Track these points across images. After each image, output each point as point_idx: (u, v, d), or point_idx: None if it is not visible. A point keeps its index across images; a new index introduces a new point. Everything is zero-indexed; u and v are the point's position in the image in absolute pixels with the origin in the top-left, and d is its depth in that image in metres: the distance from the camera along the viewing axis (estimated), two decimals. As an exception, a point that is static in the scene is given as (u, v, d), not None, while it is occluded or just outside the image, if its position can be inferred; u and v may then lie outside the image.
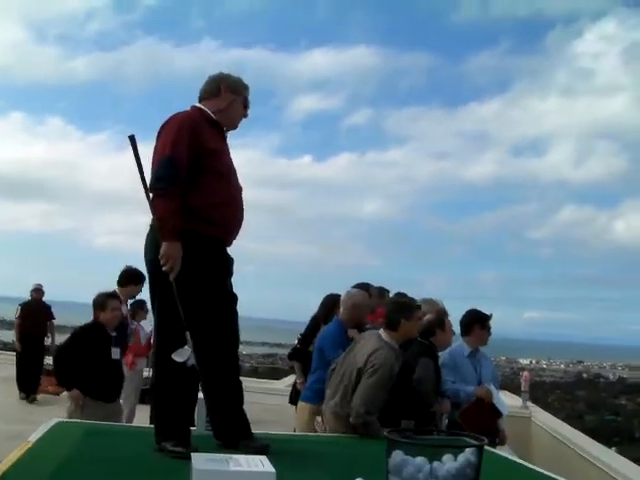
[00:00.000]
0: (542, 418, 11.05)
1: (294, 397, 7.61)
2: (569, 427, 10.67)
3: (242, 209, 4.31)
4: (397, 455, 2.64)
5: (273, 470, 2.68)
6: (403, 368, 5.83)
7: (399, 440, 2.74)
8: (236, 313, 4.34)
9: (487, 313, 6.69)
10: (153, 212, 3.97)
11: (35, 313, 13.49)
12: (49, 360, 15.02)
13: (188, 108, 4.34)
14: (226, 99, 4.32)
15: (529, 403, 12.19)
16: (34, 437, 4.10)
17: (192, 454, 2.88)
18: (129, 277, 7.53)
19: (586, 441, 9.17)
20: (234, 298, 4.34)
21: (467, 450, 2.63)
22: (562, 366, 75.20)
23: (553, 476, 4.23)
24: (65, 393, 6.62)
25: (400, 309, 5.54)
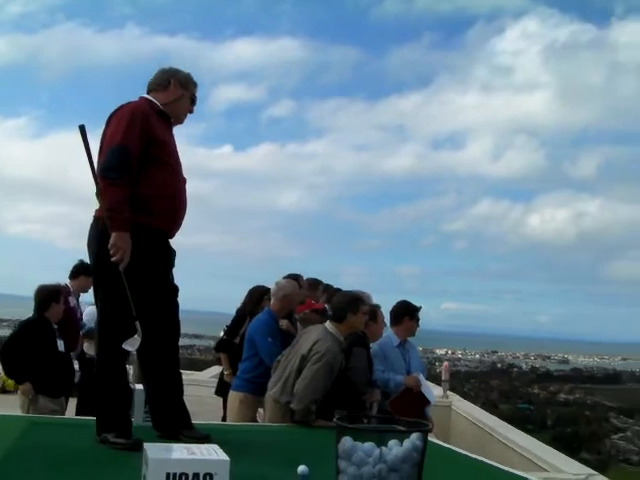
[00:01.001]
0: (462, 406, 11.27)
1: (220, 389, 7.64)
2: (489, 414, 10.93)
3: (186, 201, 4.37)
4: (346, 441, 2.74)
5: (227, 458, 2.75)
6: None
7: (349, 426, 2.84)
8: (177, 305, 4.39)
9: (416, 305, 6.85)
10: (102, 202, 3.97)
11: None
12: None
13: (137, 98, 4.37)
14: (175, 93, 4.39)
15: (449, 392, 12.43)
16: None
17: (144, 444, 2.91)
18: (80, 270, 7.50)
19: (506, 428, 9.40)
20: (176, 290, 4.39)
21: (413, 435, 2.75)
22: (477, 356, 76.64)
23: (485, 460, 4.43)
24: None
25: (348, 303, 5.63)
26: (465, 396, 13.83)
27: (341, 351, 5.52)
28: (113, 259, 3.90)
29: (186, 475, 2.65)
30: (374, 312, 6.45)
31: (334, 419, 4.97)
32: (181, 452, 2.78)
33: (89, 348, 8.07)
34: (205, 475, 2.66)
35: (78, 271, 7.56)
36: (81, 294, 7.96)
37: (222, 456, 2.76)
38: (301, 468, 3.41)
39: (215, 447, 2.88)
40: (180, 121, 4.51)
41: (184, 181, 4.37)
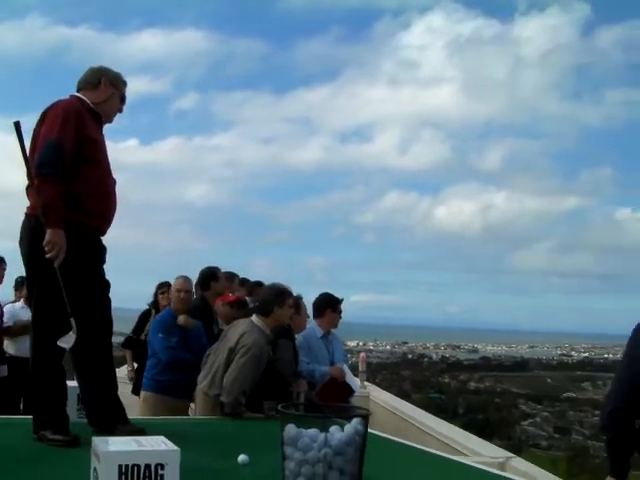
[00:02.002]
0: (380, 396, 11.47)
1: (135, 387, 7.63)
2: (406, 403, 11.18)
3: (116, 200, 4.40)
4: (291, 428, 2.85)
5: (177, 448, 2.83)
6: None
7: (295, 414, 2.97)
8: (109, 300, 4.43)
9: (338, 297, 7.00)
10: (37, 198, 3.95)
11: None
12: None
13: (68, 96, 4.36)
14: (105, 92, 4.41)
15: (366, 382, 12.62)
16: None
17: (93, 438, 2.97)
18: None
19: (424, 415, 9.63)
20: (107, 285, 4.44)
21: (354, 420, 2.89)
22: (388, 347, 77.43)
23: (415, 445, 4.62)
24: None
25: (273, 296, 5.75)
26: (378, 387, 14.03)
27: (267, 343, 5.64)
28: (48, 256, 3.90)
29: (138, 466, 2.72)
30: (297, 303, 6.57)
31: (265, 408, 5.16)
32: (130, 444, 2.85)
33: (7, 346, 8.00)
34: (157, 465, 2.74)
35: None
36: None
37: (171, 446, 2.85)
38: (241, 457, 3.52)
39: (162, 438, 2.95)
40: (110, 120, 4.54)
41: (114, 180, 4.41)
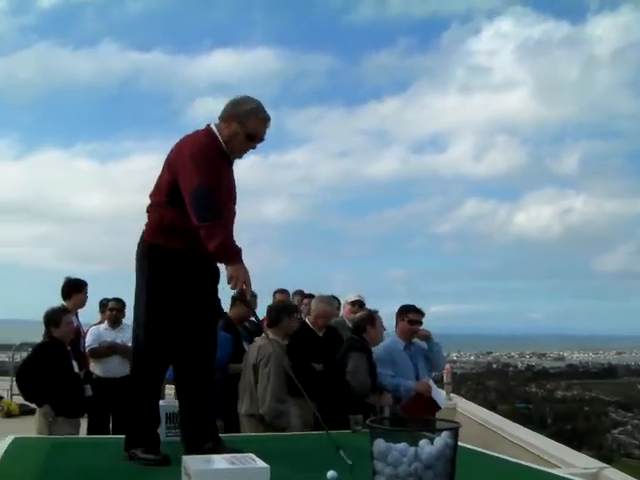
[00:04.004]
0: (466, 407, 11.35)
1: None
2: (494, 414, 11.03)
3: (230, 235, 4.29)
4: (380, 442, 2.83)
5: (267, 465, 2.83)
6: (336, 365, 6.16)
7: (382, 428, 2.94)
8: (214, 324, 4.49)
9: (415, 307, 6.94)
10: (208, 243, 3.98)
11: None
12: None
13: (203, 127, 4.30)
14: (229, 128, 4.22)
15: (452, 394, 12.50)
16: (-4, 456, 4.13)
17: (183, 457, 2.99)
18: (70, 289, 7.55)
19: (513, 426, 9.48)
20: (215, 310, 4.51)
21: (443, 433, 2.85)
22: (472, 357, 76.53)
23: (506, 458, 4.54)
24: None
25: (283, 307, 6.34)
26: (463, 398, 13.86)
27: (284, 351, 6.02)
28: (233, 291, 4.08)
29: (228, 484, 2.73)
30: (372, 317, 6.61)
31: (351, 422, 5.16)
32: (220, 462, 2.87)
33: (94, 368, 8.15)
34: (246, 483, 2.75)
35: (69, 290, 7.61)
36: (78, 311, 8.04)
37: (261, 464, 2.85)
38: (330, 473, 3.50)
39: (252, 456, 2.96)
40: (237, 157, 4.39)
41: (233, 219, 4.36)
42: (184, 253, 4.12)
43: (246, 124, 4.19)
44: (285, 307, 6.34)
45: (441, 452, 2.78)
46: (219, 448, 4.12)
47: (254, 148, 4.34)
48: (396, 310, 6.99)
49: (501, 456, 4.76)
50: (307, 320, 7.14)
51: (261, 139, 4.32)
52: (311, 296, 8.22)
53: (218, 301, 4.55)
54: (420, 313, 6.93)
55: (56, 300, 7.54)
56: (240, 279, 4.00)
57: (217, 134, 4.24)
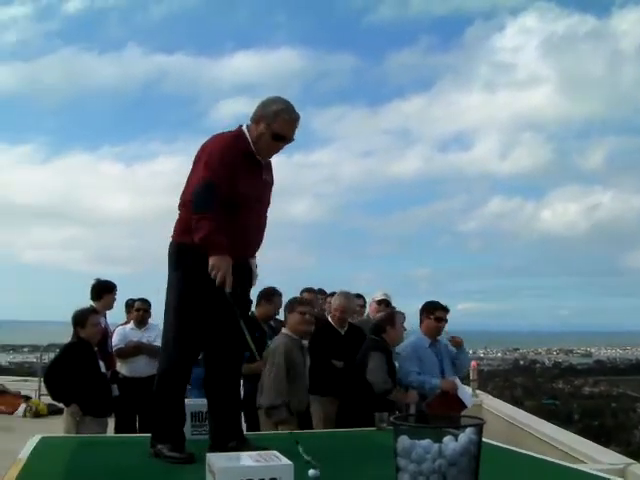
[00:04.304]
0: (492, 404, 11.32)
1: None
2: (520, 410, 11.00)
3: (253, 239, 4.39)
4: (404, 439, 2.83)
5: (291, 462, 2.84)
6: (357, 364, 6.20)
7: (406, 425, 2.94)
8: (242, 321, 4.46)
9: (440, 304, 6.94)
10: (195, 234, 4.09)
11: None
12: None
13: (236, 128, 4.35)
14: (257, 129, 4.25)
15: (478, 391, 12.46)
16: (24, 454, 4.15)
17: (207, 455, 3.01)
18: (101, 289, 7.61)
19: (539, 422, 9.45)
20: (245, 307, 4.51)
21: (467, 430, 2.84)
22: (499, 354, 76.36)
23: (532, 454, 4.52)
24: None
25: (287, 305, 6.40)
26: (490, 395, 13.83)
27: (295, 344, 6.04)
28: (216, 281, 4.05)
29: (252, 482, 2.74)
30: (392, 317, 6.63)
31: (376, 419, 5.17)
32: (245, 460, 2.88)
33: (121, 368, 8.21)
34: (271, 480, 2.76)
35: (100, 291, 7.67)
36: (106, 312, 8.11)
37: (285, 461, 2.86)
38: (311, 472, 3.47)
39: (275, 453, 2.97)
40: (267, 157, 4.41)
41: (258, 220, 4.38)
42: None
43: (272, 125, 4.19)
44: (289, 302, 6.41)
45: (465, 449, 2.78)
46: (244, 447, 4.14)
47: (279, 148, 4.35)
48: (420, 307, 7.00)
49: (526, 452, 4.75)
50: (329, 318, 7.17)
51: (290, 140, 4.32)
52: (322, 292, 8.26)
53: (248, 300, 4.57)
54: (445, 310, 6.92)
55: (84, 301, 7.61)
56: (221, 269, 4.03)
57: (247, 135, 4.27)
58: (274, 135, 4.22)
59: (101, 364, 6.58)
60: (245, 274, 4.39)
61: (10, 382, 16.45)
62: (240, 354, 4.49)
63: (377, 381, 6.16)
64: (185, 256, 4.20)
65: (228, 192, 4.12)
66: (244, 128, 4.31)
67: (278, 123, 4.20)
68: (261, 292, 7.21)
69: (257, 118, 4.25)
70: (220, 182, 4.08)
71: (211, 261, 4.04)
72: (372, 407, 5.65)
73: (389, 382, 6.23)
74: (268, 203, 4.48)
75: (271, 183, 4.49)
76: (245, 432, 4.84)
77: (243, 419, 6.01)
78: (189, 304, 4.18)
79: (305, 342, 6.50)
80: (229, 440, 4.24)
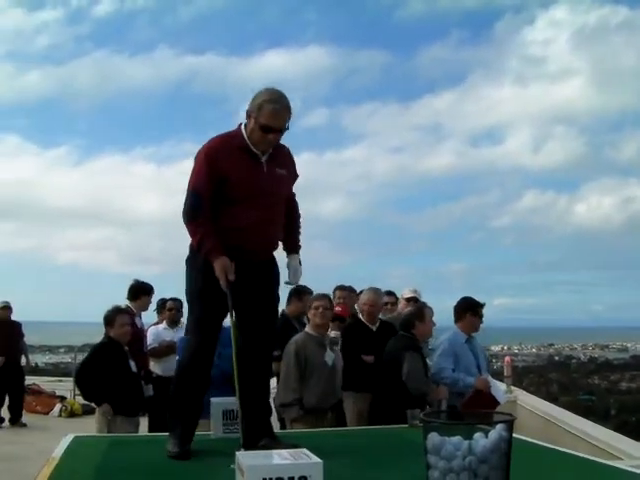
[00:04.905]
0: (527, 400, 11.27)
1: None
2: (556, 407, 10.93)
3: (263, 233, 4.36)
4: (434, 436, 2.80)
5: (320, 460, 2.83)
6: (389, 361, 6.17)
7: (435, 421, 2.92)
8: (271, 317, 4.55)
9: (479, 301, 6.91)
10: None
11: (6, 332, 12.65)
12: (30, 380, 14.81)
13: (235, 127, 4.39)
14: (250, 123, 4.27)
15: (513, 387, 12.40)
16: (57, 453, 4.19)
17: (236, 453, 2.99)
18: (139, 290, 7.65)
19: (575, 418, 9.38)
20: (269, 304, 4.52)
21: (498, 426, 2.81)
22: (534, 350, 75.69)
23: (567, 450, 4.48)
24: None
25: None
26: (525, 391, 13.76)
27: (312, 341, 6.12)
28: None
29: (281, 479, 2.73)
30: (421, 312, 6.57)
31: (408, 416, 5.14)
32: (274, 458, 2.86)
33: (155, 367, 8.25)
34: (300, 478, 2.73)
35: (137, 292, 7.71)
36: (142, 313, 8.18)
37: (314, 459, 2.84)
38: None
39: (305, 451, 2.95)
40: (260, 148, 4.34)
41: (268, 214, 4.34)
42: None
43: (259, 118, 4.18)
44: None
45: (496, 445, 2.75)
46: (274, 444, 4.15)
47: (275, 139, 4.30)
48: (460, 303, 6.96)
49: (560, 448, 4.68)
50: (360, 315, 7.15)
51: (279, 129, 4.26)
52: (352, 290, 8.22)
53: (272, 297, 4.53)
54: (480, 305, 6.90)
55: (119, 301, 7.71)
56: (216, 272, 4.13)
57: (243, 130, 4.31)
58: (262, 127, 4.20)
59: (132, 364, 6.61)
60: (266, 272, 4.43)
61: (45, 382, 16.64)
62: (269, 352, 4.51)
63: (416, 385, 6.10)
64: (195, 258, 4.30)
65: (227, 190, 4.20)
66: (242, 126, 4.34)
67: (263, 115, 4.17)
68: (292, 290, 7.21)
69: (248, 113, 4.28)
70: (208, 187, 4.18)
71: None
72: (404, 404, 5.62)
73: (427, 384, 6.22)
74: (280, 195, 4.44)
75: (285, 175, 4.45)
76: (277, 430, 4.84)
77: (276, 417, 6.06)
78: (200, 303, 4.30)
79: (335, 337, 6.50)
80: (260, 438, 4.25)
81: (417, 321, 6.43)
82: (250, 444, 4.17)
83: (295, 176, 4.56)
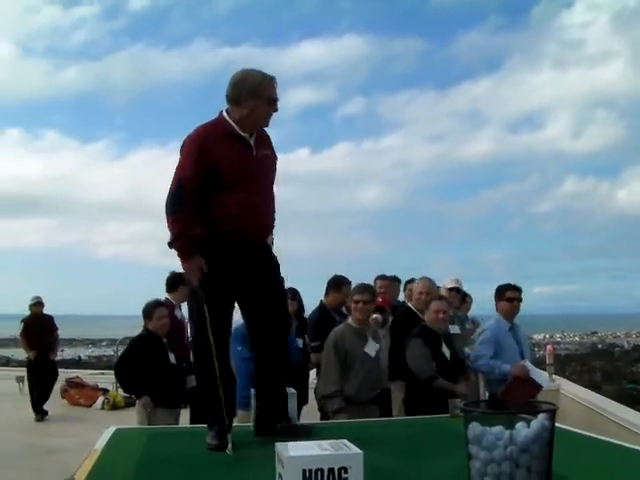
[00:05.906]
0: (570, 389, 11.15)
1: None
2: (600, 396, 10.79)
3: (258, 218, 4.38)
4: (475, 426, 2.76)
5: (360, 451, 2.80)
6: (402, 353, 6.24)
7: (476, 411, 2.88)
8: (279, 301, 4.54)
9: (511, 284, 6.84)
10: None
11: (39, 326, 13.04)
12: (66, 373, 15.02)
13: (217, 114, 4.41)
14: (247, 106, 4.28)
15: (555, 376, 12.28)
16: (99, 445, 4.23)
17: (275, 444, 2.98)
18: (176, 281, 7.68)
19: (619, 407, 9.26)
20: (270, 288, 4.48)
21: (540, 416, 2.76)
22: (576, 338, 75.08)
23: (612, 440, 4.41)
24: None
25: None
26: (567, 380, 13.64)
27: (353, 332, 6.14)
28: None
29: (321, 470, 2.69)
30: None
31: (450, 406, 5.11)
32: (313, 449, 2.83)
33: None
34: (340, 469, 2.71)
35: (175, 283, 7.73)
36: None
37: (355, 449, 2.81)
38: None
39: (345, 441, 2.92)
40: (263, 127, 4.44)
41: (259, 198, 4.37)
42: (208, 240, 4.25)
43: (262, 94, 4.27)
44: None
45: (538, 435, 2.69)
46: (291, 427, 4.28)
47: (276, 111, 4.37)
48: (494, 291, 6.92)
49: (603, 438, 4.61)
50: (410, 304, 7.13)
51: (277, 99, 4.35)
52: (394, 279, 8.18)
53: (275, 279, 4.52)
54: (516, 290, 6.85)
55: (159, 294, 7.75)
56: (188, 271, 4.26)
57: (226, 117, 4.33)
58: (271, 101, 4.30)
59: (171, 355, 6.63)
60: (264, 255, 4.45)
61: (88, 375, 16.84)
62: (281, 335, 4.50)
63: (418, 370, 6.15)
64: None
65: (217, 178, 4.21)
66: (224, 113, 4.36)
67: (268, 89, 4.31)
68: (330, 281, 7.20)
69: (240, 98, 4.29)
70: (194, 178, 4.18)
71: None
72: (436, 393, 5.64)
73: (431, 368, 6.16)
74: (270, 178, 4.49)
75: (270, 155, 4.49)
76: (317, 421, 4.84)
77: (316, 408, 6.06)
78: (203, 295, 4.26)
79: (379, 330, 6.50)
80: (276, 422, 4.32)
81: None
82: (265, 429, 4.30)
83: (276, 156, 4.58)
